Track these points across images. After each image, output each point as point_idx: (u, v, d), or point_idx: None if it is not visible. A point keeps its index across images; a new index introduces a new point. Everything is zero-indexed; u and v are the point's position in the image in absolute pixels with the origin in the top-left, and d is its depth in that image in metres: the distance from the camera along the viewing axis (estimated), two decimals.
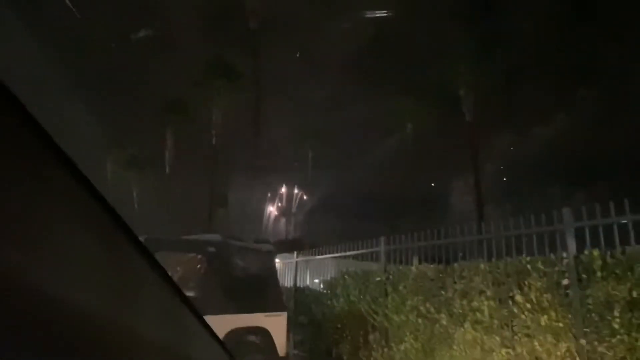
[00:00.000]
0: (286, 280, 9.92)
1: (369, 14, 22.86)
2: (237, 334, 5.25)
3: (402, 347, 6.16)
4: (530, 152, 22.85)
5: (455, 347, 5.45)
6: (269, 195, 25.04)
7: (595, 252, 4.36)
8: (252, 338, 5.60)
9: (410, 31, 21.42)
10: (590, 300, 4.32)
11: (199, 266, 5.74)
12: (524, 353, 4.75)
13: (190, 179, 22.63)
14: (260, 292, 6.04)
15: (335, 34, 22.97)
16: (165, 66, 22.88)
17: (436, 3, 20.01)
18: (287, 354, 6.71)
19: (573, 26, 14.94)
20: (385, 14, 22.51)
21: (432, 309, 5.87)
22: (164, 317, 0.55)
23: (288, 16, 23.57)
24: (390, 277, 6.81)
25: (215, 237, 6.13)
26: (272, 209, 25.62)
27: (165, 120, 24.49)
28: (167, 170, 24.75)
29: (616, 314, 4.08)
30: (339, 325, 7.48)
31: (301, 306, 8.98)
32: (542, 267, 4.78)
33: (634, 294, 4.00)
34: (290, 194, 26.92)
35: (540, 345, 4.62)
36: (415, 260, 6.55)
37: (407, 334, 6.14)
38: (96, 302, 0.43)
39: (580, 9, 13.67)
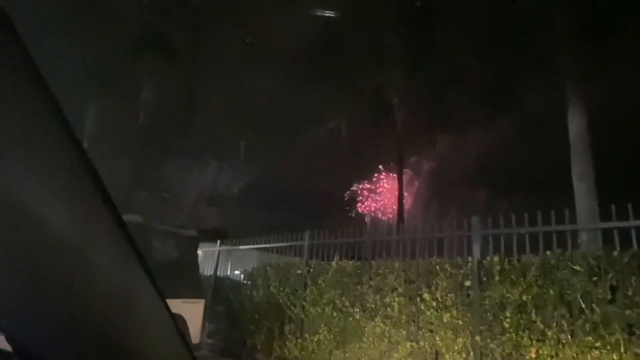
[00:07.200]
0: (207, 268, 9.75)
1: (315, 12, 23.03)
2: None
3: (315, 339, 6.35)
4: (460, 159, 24.30)
5: (364, 340, 5.73)
6: (196, 181, 24.31)
7: (496, 258, 4.82)
8: None
9: (352, 35, 21.89)
10: (487, 301, 4.77)
11: None
12: (426, 346, 5.13)
13: (112, 157, 21.33)
14: (179, 277, 5.91)
15: (280, 26, 22.80)
16: (91, 31, 21.26)
17: (381, 11, 20.58)
18: (201, 342, 6.65)
19: (514, 42, 16.01)
20: (332, 15, 22.82)
21: (347, 303, 6.13)
22: (120, 271, 0.58)
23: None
24: (311, 270, 6.98)
25: (135, 218, 5.90)
26: (198, 196, 24.91)
27: (86, 90, 22.80)
28: (86, 146, 23.12)
29: (507, 314, 4.55)
30: (256, 316, 7.53)
31: (220, 295, 8.90)
32: (449, 268, 5.19)
33: (524, 297, 4.48)
34: (218, 182, 26.35)
35: (441, 340, 5.02)
36: (337, 257, 6.77)
37: (322, 326, 6.34)
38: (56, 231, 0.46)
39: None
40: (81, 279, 0.49)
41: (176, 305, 5.62)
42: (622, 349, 3.75)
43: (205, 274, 9.53)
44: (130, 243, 0.55)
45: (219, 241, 9.91)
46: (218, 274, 9.49)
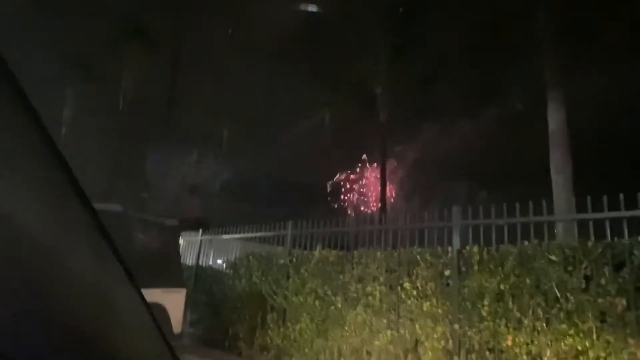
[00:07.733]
0: (189, 258, 9.70)
1: (298, 4, 22.90)
2: None
3: (297, 327, 6.40)
4: (444, 151, 24.41)
5: (346, 328, 5.80)
6: (177, 170, 24.05)
7: (475, 248, 4.91)
8: None
9: (337, 29, 21.82)
10: (466, 290, 4.86)
11: None
12: (406, 335, 5.22)
13: (94, 146, 20.91)
14: (160, 267, 5.87)
15: (263, 17, 22.55)
16: (75, 19, 20.74)
17: (366, 7, 20.52)
18: (182, 331, 6.63)
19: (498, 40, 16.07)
20: (315, 7, 22.72)
21: (329, 292, 6.18)
22: (94, 258, 0.57)
23: None
24: (294, 260, 7.00)
25: (115, 207, 5.82)
26: (180, 185, 24.66)
27: (70, 79, 22.29)
28: (64, 132, 22.61)
29: (485, 303, 4.65)
30: (239, 305, 7.53)
31: (202, 285, 8.87)
32: (429, 258, 5.27)
33: (502, 286, 4.58)
34: (201, 171, 26.10)
35: (421, 328, 5.11)
36: (319, 246, 6.80)
37: (304, 315, 6.38)
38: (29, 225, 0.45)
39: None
40: (53, 274, 0.48)
41: (157, 294, 5.60)
42: (594, 336, 3.88)
43: (188, 263, 9.48)
44: (105, 236, 0.54)
45: (201, 230, 9.85)
46: (200, 263, 9.45)
